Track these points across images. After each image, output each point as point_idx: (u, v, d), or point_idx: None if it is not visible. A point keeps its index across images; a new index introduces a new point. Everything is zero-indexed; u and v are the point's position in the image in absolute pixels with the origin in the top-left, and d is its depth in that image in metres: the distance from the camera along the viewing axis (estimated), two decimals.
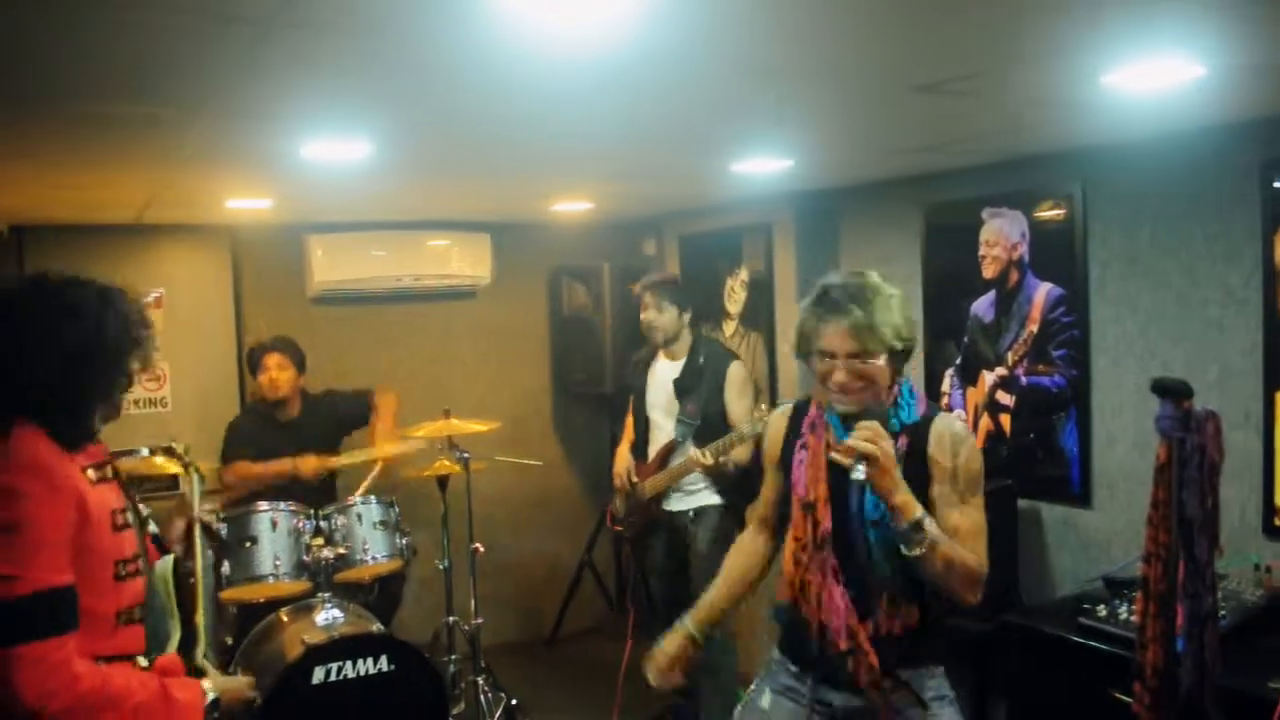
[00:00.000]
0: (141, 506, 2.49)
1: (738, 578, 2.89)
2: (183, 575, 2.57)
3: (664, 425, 4.74)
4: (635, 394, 4.94)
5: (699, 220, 5.92)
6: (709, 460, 4.34)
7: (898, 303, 2.51)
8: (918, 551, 2.36)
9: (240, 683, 2.58)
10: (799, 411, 2.72)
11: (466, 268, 6.06)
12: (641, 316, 4.78)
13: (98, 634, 2.16)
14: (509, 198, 5.19)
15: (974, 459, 2.52)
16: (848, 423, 2.48)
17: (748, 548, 2.92)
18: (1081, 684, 3.26)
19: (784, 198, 5.08)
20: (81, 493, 2.13)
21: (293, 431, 5.03)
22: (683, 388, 4.64)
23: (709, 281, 5.78)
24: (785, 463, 2.70)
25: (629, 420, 5.03)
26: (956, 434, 2.52)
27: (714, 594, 2.89)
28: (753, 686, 2.82)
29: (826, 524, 2.50)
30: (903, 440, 2.50)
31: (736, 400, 4.55)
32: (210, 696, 2.35)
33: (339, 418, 5.22)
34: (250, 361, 5.15)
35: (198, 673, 2.48)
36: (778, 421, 2.80)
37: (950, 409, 4.45)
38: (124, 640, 2.25)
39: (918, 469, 2.48)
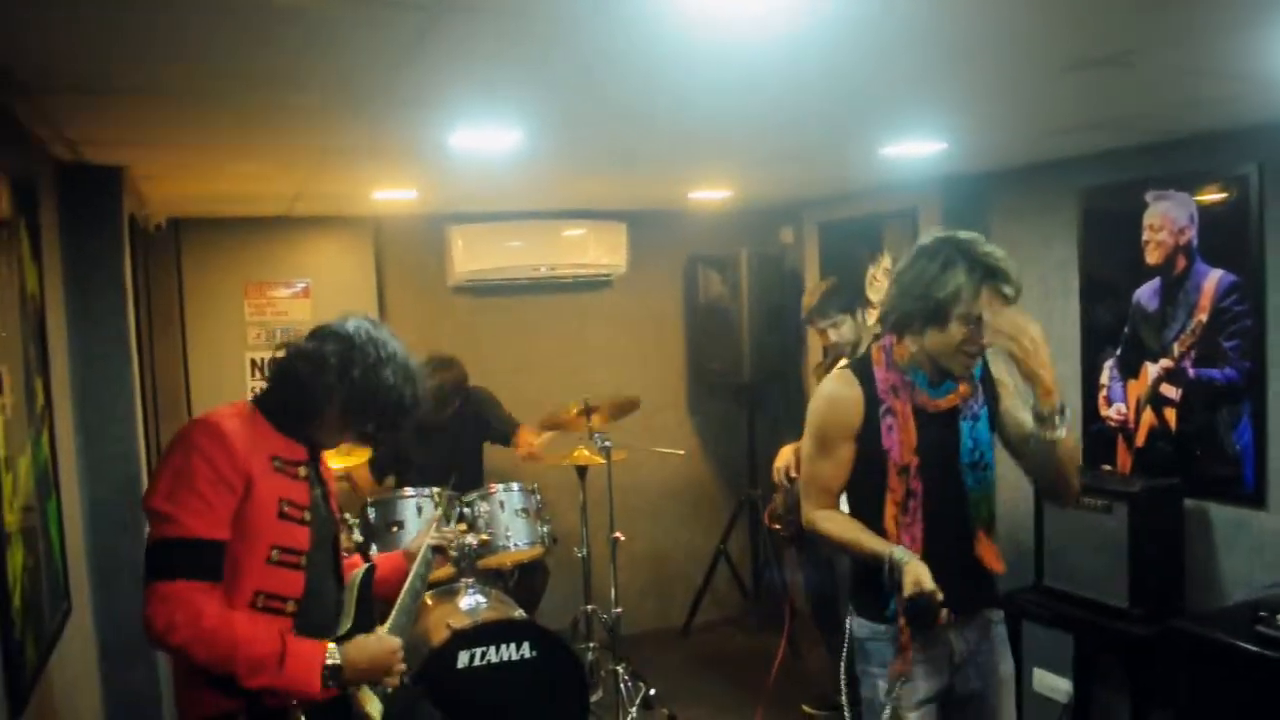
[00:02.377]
0: (350, 518, 2.67)
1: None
2: (370, 587, 2.70)
3: None
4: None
5: (839, 207, 5.80)
6: None
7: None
8: (1059, 434, 2.52)
9: (379, 645, 2.51)
10: (865, 379, 2.70)
11: (602, 257, 6.06)
12: (825, 345, 4.68)
13: (235, 603, 2.30)
14: (648, 186, 5.16)
15: (1015, 371, 2.61)
16: (937, 380, 2.65)
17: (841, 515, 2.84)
18: (1259, 697, 3.07)
19: (930, 182, 4.93)
20: (252, 473, 2.33)
21: (444, 432, 5.07)
22: None
23: (849, 269, 5.65)
24: (870, 432, 2.67)
25: None
26: (1003, 361, 2.66)
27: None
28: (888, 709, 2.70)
29: (919, 484, 2.62)
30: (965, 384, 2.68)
31: None
32: (331, 661, 2.37)
33: (488, 426, 5.27)
34: None
35: None
36: (847, 391, 2.71)
37: (1110, 402, 4.26)
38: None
39: (989, 388, 2.72)
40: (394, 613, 2.75)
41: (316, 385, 2.45)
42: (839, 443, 2.71)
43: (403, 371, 2.52)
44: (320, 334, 2.51)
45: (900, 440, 2.62)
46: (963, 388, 2.65)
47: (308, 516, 2.45)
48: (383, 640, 2.52)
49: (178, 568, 2.22)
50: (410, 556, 2.97)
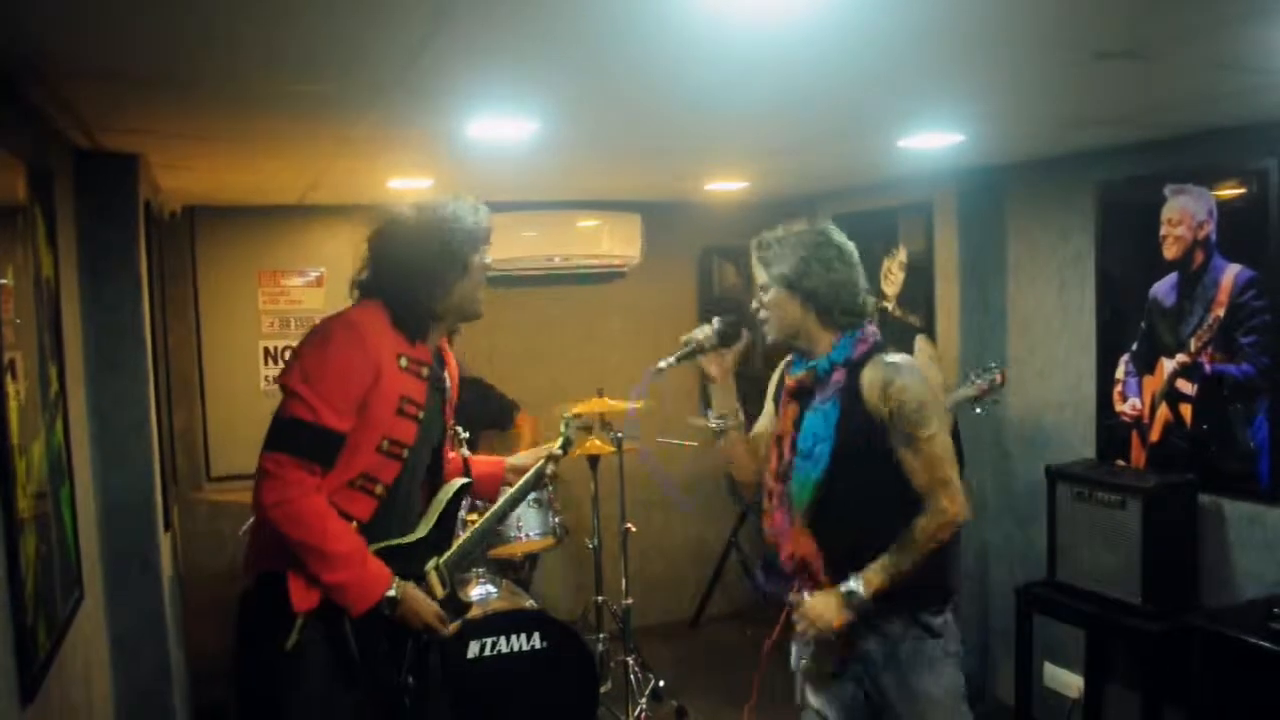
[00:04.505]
0: (460, 429, 3.12)
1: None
2: (461, 502, 2.92)
3: None
4: None
5: (854, 199, 5.78)
6: None
7: (814, 256, 2.69)
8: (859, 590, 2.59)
9: (427, 608, 2.68)
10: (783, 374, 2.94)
11: (616, 248, 6.05)
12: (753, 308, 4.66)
13: (336, 480, 2.55)
14: (663, 177, 5.15)
15: (905, 392, 2.57)
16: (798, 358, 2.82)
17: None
18: (1273, 694, 3.06)
19: (946, 175, 4.90)
20: (382, 366, 2.58)
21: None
22: None
23: (864, 262, 5.57)
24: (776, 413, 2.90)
25: None
26: (883, 375, 2.59)
27: None
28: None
29: (788, 456, 2.75)
30: (838, 375, 2.67)
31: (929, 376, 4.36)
32: (390, 593, 2.56)
33: (487, 409, 5.25)
34: None
35: (418, 576, 2.72)
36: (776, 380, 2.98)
37: (1125, 397, 4.24)
38: (352, 501, 2.58)
39: (855, 409, 2.63)
40: (468, 534, 2.93)
41: (427, 289, 2.66)
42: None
43: (449, 219, 2.71)
44: (393, 243, 2.72)
45: (782, 411, 2.84)
46: (802, 374, 2.75)
47: (421, 415, 2.66)
48: (434, 605, 2.69)
49: (302, 448, 2.48)
50: (516, 471, 3.13)
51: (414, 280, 2.66)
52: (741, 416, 2.99)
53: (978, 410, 4.31)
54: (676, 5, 1.99)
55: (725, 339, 2.94)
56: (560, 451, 3.17)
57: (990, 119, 3.56)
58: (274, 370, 5.67)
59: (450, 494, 2.86)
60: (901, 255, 5.38)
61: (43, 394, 2.64)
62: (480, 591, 4.25)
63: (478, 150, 3.59)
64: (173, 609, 4.05)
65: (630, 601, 4.93)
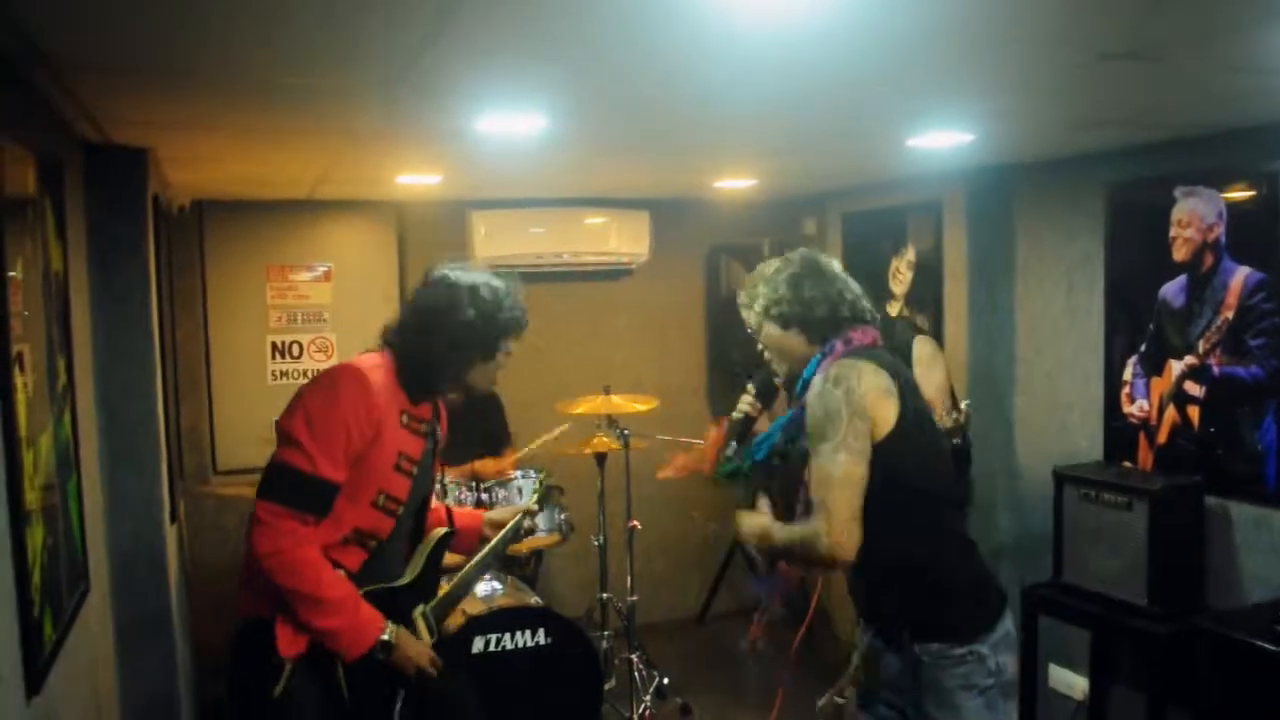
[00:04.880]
0: (450, 480, 3.27)
1: None
2: (444, 549, 2.93)
3: None
4: None
5: (863, 198, 5.77)
6: None
7: (780, 282, 2.72)
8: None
9: (420, 652, 2.68)
10: None
11: (624, 245, 6.04)
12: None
13: (330, 535, 2.53)
14: (672, 174, 5.14)
15: (811, 406, 2.56)
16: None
17: None
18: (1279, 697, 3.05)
19: (955, 175, 4.89)
20: (384, 421, 2.56)
21: (453, 417, 5.06)
22: None
23: (872, 261, 5.62)
24: None
25: None
26: (815, 389, 2.57)
27: None
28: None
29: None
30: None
31: (928, 377, 4.33)
32: (384, 637, 2.55)
33: (485, 429, 5.20)
34: None
35: (406, 622, 2.72)
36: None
37: (1133, 399, 4.22)
38: (345, 554, 2.58)
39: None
40: (452, 584, 2.97)
41: (447, 361, 2.68)
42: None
43: (488, 302, 2.73)
44: (433, 308, 2.71)
45: None
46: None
47: (415, 471, 2.66)
48: (425, 648, 2.71)
49: (296, 498, 2.46)
50: (494, 526, 3.13)
51: (438, 349, 2.66)
52: None
53: (954, 442, 4.16)
54: (685, 3, 1.99)
55: (766, 396, 3.01)
56: (536, 508, 3.23)
57: (1000, 119, 3.55)
58: (282, 364, 5.68)
59: (434, 542, 2.87)
60: (910, 254, 5.37)
61: (51, 387, 2.65)
62: (486, 588, 4.26)
63: (486, 146, 3.59)
64: (179, 603, 4.06)
65: (635, 598, 4.94)
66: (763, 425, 2.94)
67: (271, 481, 2.51)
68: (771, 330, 2.74)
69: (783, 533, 2.62)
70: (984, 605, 2.61)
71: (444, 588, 2.95)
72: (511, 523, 3.12)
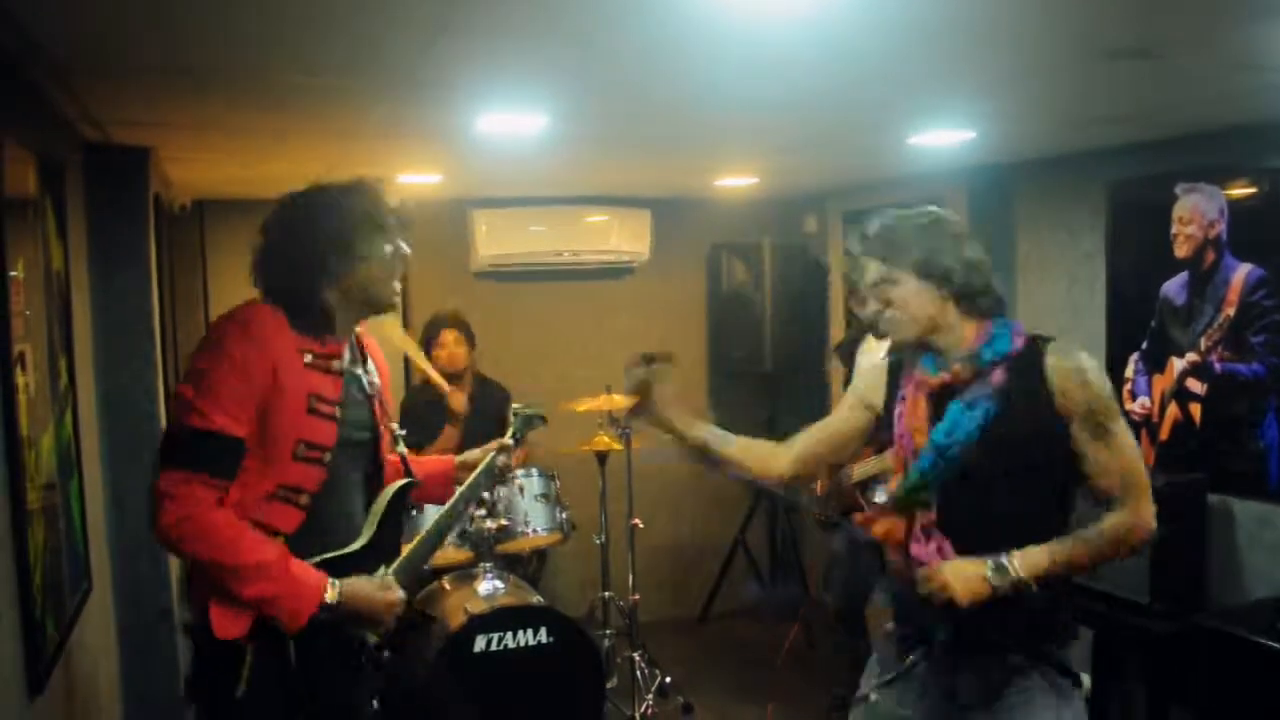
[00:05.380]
0: (396, 428, 2.68)
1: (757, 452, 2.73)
2: (405, 504, 2.62)
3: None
4: (848, 371, 4.75)
5: (864, 196, 5.76)
6: None
7: (940, 234, 2.33)
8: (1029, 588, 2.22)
9: (375, 599, 2.39)
10: (896, 367, 2.54)
11: (625, 244, 6.05)
12: (858, 312, 4.38)
13: (251, 494, 2.27)
14: (673, 172, 5.14)
15: (1103, 381, 2.26)
16: (917, 356, 2.40)
17: (771, 448, 2.72)
18: None
19: (957, 172, 4.89)
20: (281, 363, 2.29)
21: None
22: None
23: None
24: (886, 413, 2.52)
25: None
26: (1075, 365, 2.25)
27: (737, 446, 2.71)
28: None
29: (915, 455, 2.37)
30: (999, 374, 2.28)
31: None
32: (329, 596, 2.29)
33: (500, 404, 5.22)
34: (427, 334, 5.13)
35: None
36: (876, 372, 2.60)
37: (1134, 396, 4.22)
38: (274, 513, 2.31)
39: (1034, 408, 2.25)
40: (419, 537, 2.66)
41: (312, 278, 2.39)
42: (854, 406, 2.63)
43: (331, 202, 2.43)
44: (270, 229, 2.45)
45: (906, 426, 2.43)
46: (956, 369, 2.33)
47: (338, 413, 2.39)
48: (386, 590, 2.42)
49: (197, 460, 2.19)
50: (466, 468, 2.86)
51: (293, 273, 2.38)
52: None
53: None
54: (686, 1, 1.99)
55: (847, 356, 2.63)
56: (511, 442, 2.91)
57: (1001, 116, 3.55)
58: None
59: (389, 496, 2.57)
60: None
61: (52, 386, 2.65)
62: (487, 587, 4.26)
63: (487, 144, 3.59)
64: (180, 602, 4.06)
65: (637, 597, 4.93)
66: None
67: (167, 447, 2.26)
68: (917, 287, 2.31)
69: (1089, 546, 2.26)
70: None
71: (409, 546, 2.65)
72: (485, 461, 2.83)
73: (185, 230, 5.44)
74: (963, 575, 2.21)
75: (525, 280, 6.08)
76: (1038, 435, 2.26)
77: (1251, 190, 3.71)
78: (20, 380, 2.25)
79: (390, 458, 2.70)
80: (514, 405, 3.01)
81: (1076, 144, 4.24)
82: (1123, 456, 2.26)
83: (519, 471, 4.73)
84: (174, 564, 3.88)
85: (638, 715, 4.71)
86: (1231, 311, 3.78)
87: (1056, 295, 4.66)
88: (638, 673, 4.83)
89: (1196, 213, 3.90)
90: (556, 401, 5.06)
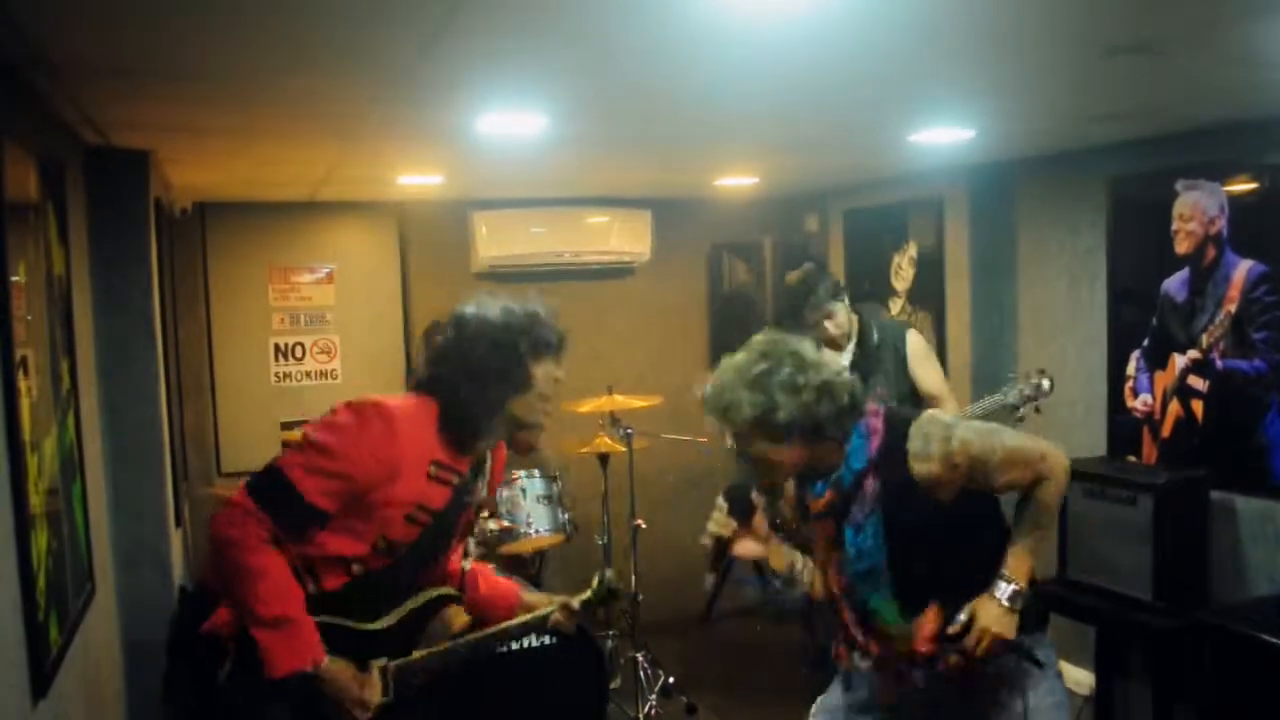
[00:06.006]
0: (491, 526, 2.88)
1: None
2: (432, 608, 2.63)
3: None
4: None
5: (864, 195, 5.76)
6: None
7: (769, 387, 2.29)
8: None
9: (351, 693, 2.41)
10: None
11: (626, 244, 6.05)
12: (825, 337, 4.27)
13: (315, 549, 2.37)
14: (673, 172, 5.14)
15: (970, 446, 2.30)
16: (805, 481, 2.49)
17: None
18: None
19: (957, 170, 4.89)
20: (403, 468, 2.36)
21: None
22: (863, 371, 4.32)
23: (874, 258, 5.63)
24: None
25: None
26: (939, 450, 2.30)
27: None
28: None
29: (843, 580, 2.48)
30: (869, 484, 2.35)
31: (924, 369, 4.27)
32: (309, 669, 2.32)
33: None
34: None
35: (360, 662, 2.46)
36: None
37: (1136, 393, 4.22)
38: (326, 570, 2.40)
39: (917, 498, 2.32)
40: (435, 648, 2.63)
41: (478, 399, 2.43)
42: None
43: (510, 326, 2.48)
44: (450, 345, 2.49)
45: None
46: (830, 494, 2.42)
47: (431, 522, 2.45)
48: (364, 688, 2.43)
49: (274, 506, 2.29)
50: (526, 607, 2.82)
51: (466, 389, 2.43)
52: (800, 562, 2.68)
53: (1019, 415, 4.04)
54: (685, 1, 1.99)
55: (742, 513, 2.61)
56: (576, 605, 2.82)
57: (1001, 114, 3.55)
58: (284, 366, 5.68)
59: (426, 599, 2.58)
60: (912, 250, 5.37)
61: (54, 390, 2.65)
62: None
63: (487, 145, 3.59)
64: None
65: (640, 597, 4.93)
66: (748, 548, 2.61)
67: (263, 476, 2.35)
68: (765, 445, 2.36)
69: (1044, 519, 2.39)
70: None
71: (425, 651, 2.62)
72: (540, 611, 2.78)
73: (186, 233, 5.45)
74: (994, 617, 2.30)
75: (526, 281, 6.05)
76: (936, 512, 2.33)
77: (1252, 186, 3.71)
78: (22, 384, 2.25)
79: (457, 563, 2.77)
80: (603, 576, 2.90)
81: (1077, 141, 4.24)
82: (1012, 460, 2.34)
83: (521, 473, 4.74)
84: (176, 569, 3.89)
85: (641, 716, 4.71)
86: (1233, 308, 3.77)
87: (1057, 293, 4.66)
88: (641, 673, 4.83)
89: (1197, 209, 3.90)
90: (558, 402, 5.07)
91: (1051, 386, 3.95)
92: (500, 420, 2.49)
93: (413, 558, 2.50)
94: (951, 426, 2.34)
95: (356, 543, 2.40)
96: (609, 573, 2.90)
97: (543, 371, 2.51)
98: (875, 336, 4.32)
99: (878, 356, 4.30)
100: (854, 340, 4.32)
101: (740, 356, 2.39)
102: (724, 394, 2.34)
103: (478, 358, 2.43)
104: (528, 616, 2.78)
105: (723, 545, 2.61)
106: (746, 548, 2.61)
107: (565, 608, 2.79)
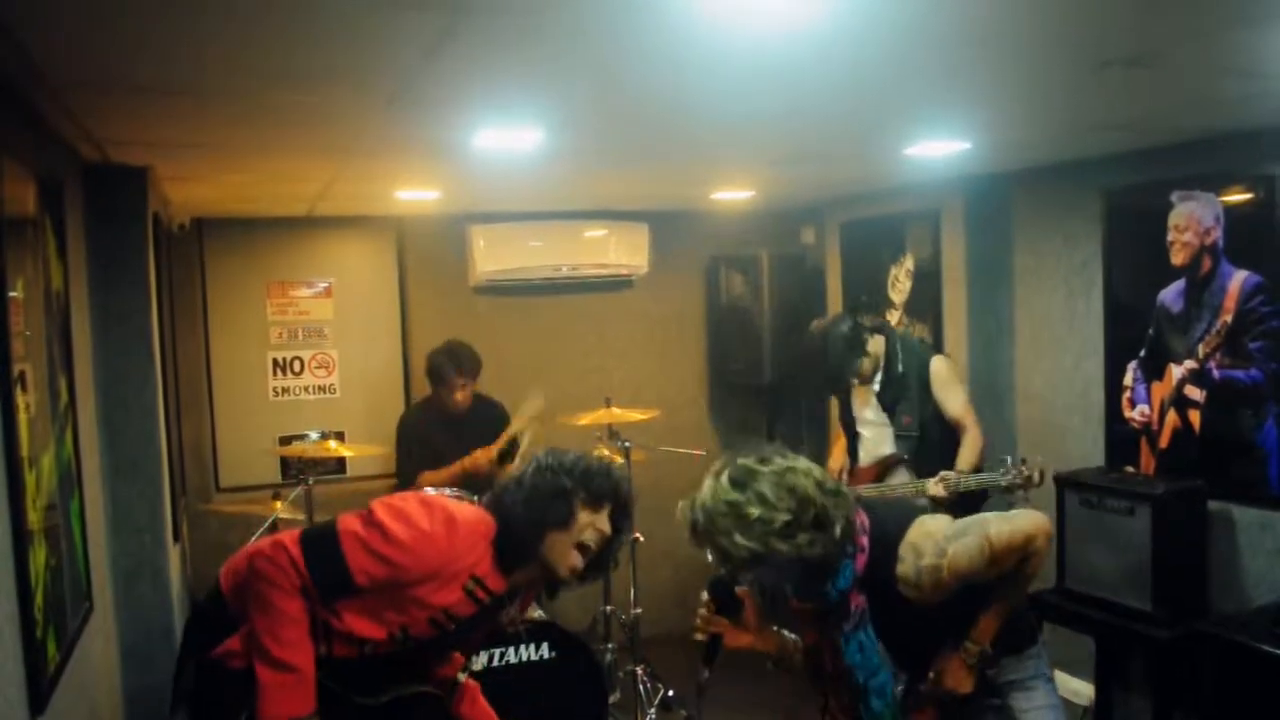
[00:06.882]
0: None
1: None
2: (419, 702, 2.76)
3: (873, 436, 4.54)
4: (841, 403, 4.76)
5: (861, 207, 5.78)
6: (942, 494, 3.99)
7: (751, 526, 2.27)
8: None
9: None
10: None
11: (624, 257, 6.06)
12: (855, 380, 4.45)
13: (336, 620, 2.45)
14: (670, 186, 5.15)
15: (959, 560, 2.32)
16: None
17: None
18: None
19: (953, 182, 4.90)
20: (445, 576, 2.47)
21: (461, 428, 5.08)
22: (889, 401, 4.43)
23: (871, 270, 5.63)
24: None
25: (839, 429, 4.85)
26: (929, 577, 2.33)
27: None
28: None
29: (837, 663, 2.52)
30: (857, 599, 2.40)
31: (947, 395, 4.32)
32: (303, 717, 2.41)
33: (497, 421, 5.23)
34: (436, 371, 5.12)
35: None
36: None
37: (1134, 404, 4.23)
38: (337, 642, 2.49)
39: (896, 616, 2.39)
40: None
41: (525, 525, 2.54)
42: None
43: (568, 464, 2.60)
44: (527, 476, 2.62)
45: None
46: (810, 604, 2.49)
47: (451, 629, 2.56)
48: None
49: (318, 566, 2.39)
50: None
51: (517, 512, 2.55)
52: (790, 645, 2.70)
53: (1010, 500, 3.98)
54: (680, 15, 1.99)
55: (729, 608, 2.58)
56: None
57: (997, 126, 3.56)
58: (283, 381, 5.68)
59: (415, 690, 2.74)
60: (909, 262, 5.38)
61: (53, 406, 2.66)
62: None
63: (484, 160, 3.59)
64: (182, 621, 4.05)
65: (639, 611, 4.93)
66: (740, 640, 2.60)
67: (321, 535, 2.47)
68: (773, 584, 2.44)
69: (1015, 591, 2.45)
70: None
71: None
72: None
73: (185, 248, 5.45)
74: (960, 680, 2.45)
75: (524, 295, 6.09)
76: (923, 615, 2.39)
77: (1247, 196, 3.72)
78: (21, 400, 2.25)
79: (455, 669, 2.89)
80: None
81: (1072, 153, 4.25)
82: (1003, 554, 2.35)
83: None
84: (175, 585, 3.88)
85: None
86: (1229, 318, 3.78)
87: (1054, 304, 4.67)
88: (641, 686, 4.82)
89: (1193, 220, 3.91)
90: (556, 415, 5.08)
91: (1042, 478, 3.96)
92: (536, 553, 2.57)
93: (423, 650, 2.63)
94: (943, 546, 2.34)
95: (377, 628, 2.49)
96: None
97: (587, 517, 2.58)
98: (900, 367, 4.38)
99: (902, 384, 4.38)
100: (881, 370, 4.38)
101: (728, 490, 2.32)
102: (718, 536, 2.30)
103: (533, 486, 2.56)
104: None
105: (716, 641, 2.60)
106: (739, 640, 2.62)
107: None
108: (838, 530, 2.31)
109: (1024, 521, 2.41)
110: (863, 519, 2.42)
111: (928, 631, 2.48)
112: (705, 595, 2.57)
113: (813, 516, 2.28)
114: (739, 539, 2.27)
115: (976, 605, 2.46)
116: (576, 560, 2.58)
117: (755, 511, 2.26)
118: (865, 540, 2.40)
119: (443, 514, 2.51)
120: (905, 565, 2.35)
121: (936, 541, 2.35)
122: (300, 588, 2.38)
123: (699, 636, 2.59)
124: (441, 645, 2.68)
